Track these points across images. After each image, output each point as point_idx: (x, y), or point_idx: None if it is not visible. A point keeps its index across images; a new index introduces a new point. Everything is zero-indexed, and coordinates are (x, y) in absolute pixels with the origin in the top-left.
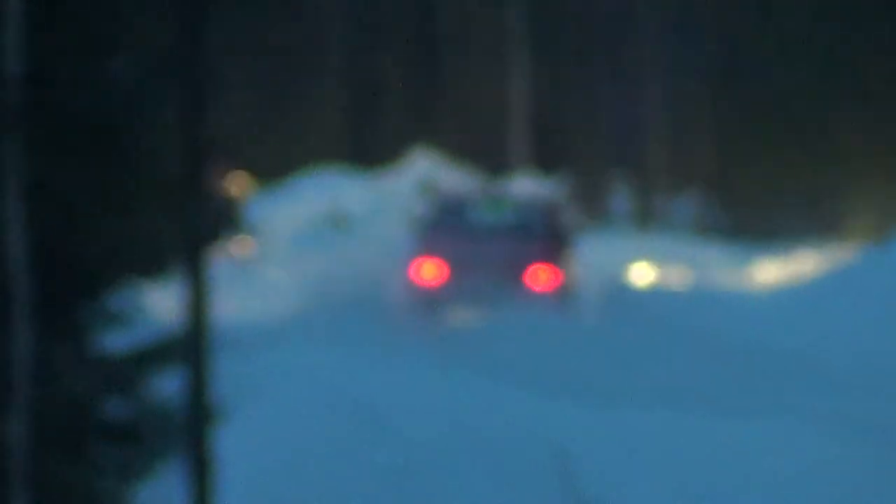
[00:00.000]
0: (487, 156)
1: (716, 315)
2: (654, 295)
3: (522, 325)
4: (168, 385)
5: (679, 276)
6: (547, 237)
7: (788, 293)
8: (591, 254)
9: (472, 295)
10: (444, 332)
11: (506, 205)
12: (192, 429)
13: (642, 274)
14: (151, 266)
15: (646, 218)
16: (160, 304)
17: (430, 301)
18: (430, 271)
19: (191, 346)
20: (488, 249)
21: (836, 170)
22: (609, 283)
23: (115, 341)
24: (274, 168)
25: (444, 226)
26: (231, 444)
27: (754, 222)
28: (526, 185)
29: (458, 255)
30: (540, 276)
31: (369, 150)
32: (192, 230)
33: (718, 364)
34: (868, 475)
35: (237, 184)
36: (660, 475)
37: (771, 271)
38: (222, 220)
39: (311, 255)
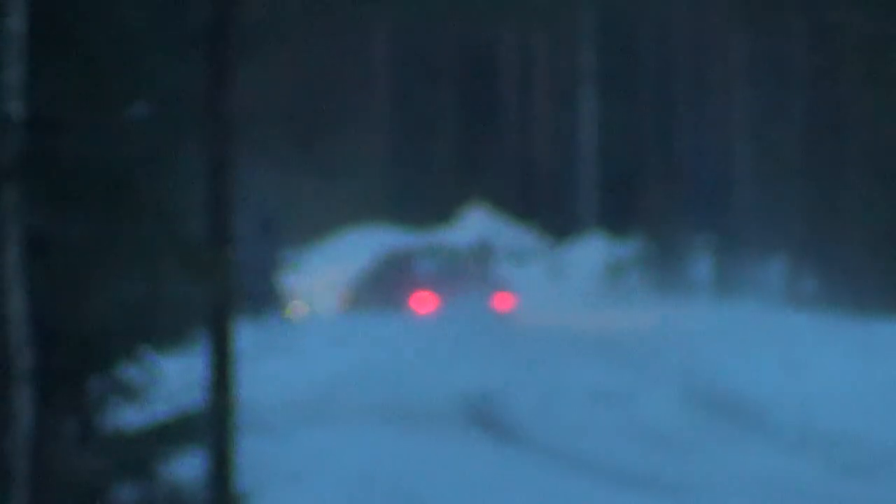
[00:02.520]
0: (550, 213)
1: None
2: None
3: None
4: (188, 468)
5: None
6: (493, 275)
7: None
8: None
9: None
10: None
11: (446, 254)
12: None
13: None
14: (170, 334)
15: (728, 285)
16: (180, 377)
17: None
18: (425, 301)
19: (214, 424)
20: (460, 284)
21: None
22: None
23: (129, 418)
24: (313, 225)
25: (418, 270)
26: None
27: (851, 292)
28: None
29: (441, 289)
30: (502, 300)
31: (417, 205)
32: (216, 295)
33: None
34: None
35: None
36: None
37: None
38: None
39: (353, 318)
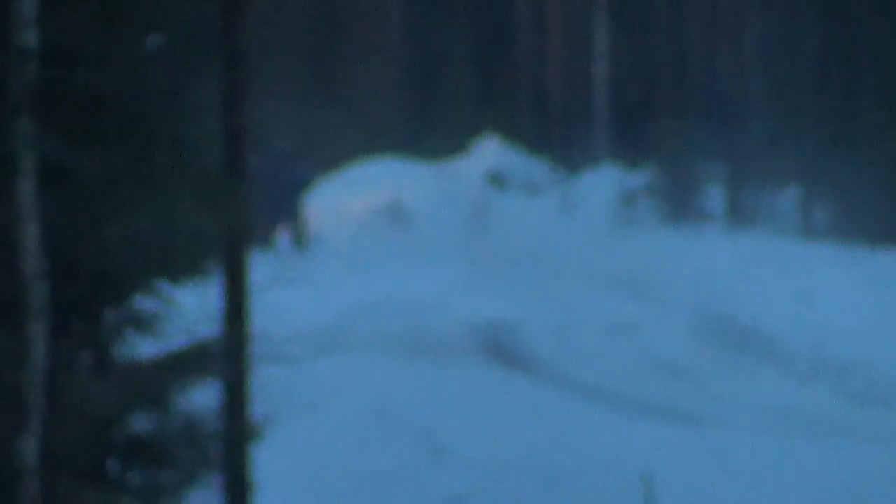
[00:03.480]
0: (564, 145)
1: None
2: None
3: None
4: (202, 398)
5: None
6: None
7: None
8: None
9: None
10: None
11: None
12: (229, 447)
13: None
14: (185, 266)
15: (741, 216)
16: (195, 308)
17: None
18: None
19: (228, 355)
20: None
21: None
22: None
23: (144, 349)
24: (328, 156)
25: None
26: (271, 465)
27: (864, 222)
28: None
29: None
30: None
31: (430, 137)
32: (231, 226)
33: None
34: None
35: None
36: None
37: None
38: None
39: (366, 250)
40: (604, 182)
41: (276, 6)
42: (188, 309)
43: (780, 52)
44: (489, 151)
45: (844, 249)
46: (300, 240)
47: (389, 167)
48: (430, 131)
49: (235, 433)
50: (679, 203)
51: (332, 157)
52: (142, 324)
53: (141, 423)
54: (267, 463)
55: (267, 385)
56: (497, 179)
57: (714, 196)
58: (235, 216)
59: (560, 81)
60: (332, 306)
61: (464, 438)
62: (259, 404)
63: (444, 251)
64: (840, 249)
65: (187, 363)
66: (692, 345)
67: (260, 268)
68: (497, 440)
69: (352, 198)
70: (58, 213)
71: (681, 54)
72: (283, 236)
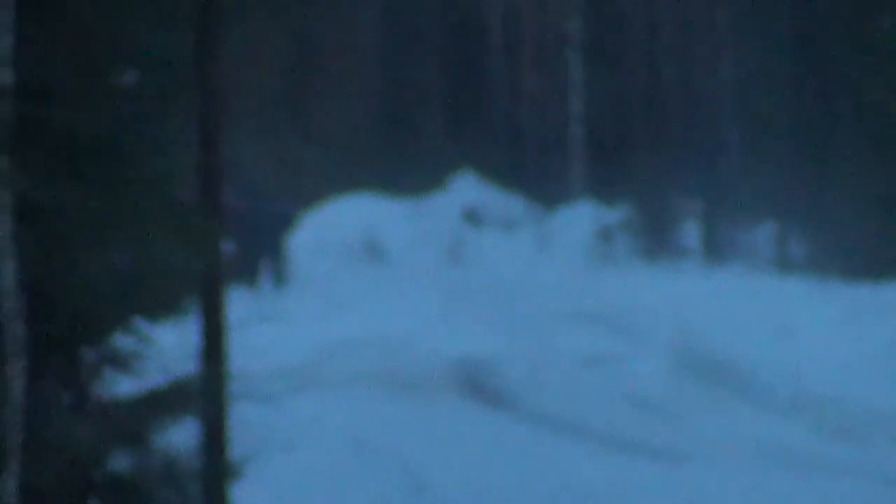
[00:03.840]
0: (539, 181)
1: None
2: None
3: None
4: (181, 436)
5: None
6: None
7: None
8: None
9: None
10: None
11: None
12: (208, 486)
13: None
14: (162, 303)
15: (716, 251)
16: (173, 347)
17: None
18: None
19: (207, 393)
20: None
21: None
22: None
23: (122, 388)
24: (302, 193)
25: None
26: None
27: (840, 257)
28: None
29: None
30: None
31: (406, 173)
32: (207, 263)
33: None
34: None
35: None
36: None
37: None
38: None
39: (344, 287)
40: (580, 218)
41: (250, 43)
42: (166, 347)
43: (756, 88)
44: (465, 188)
45: (820, 284)
46: (281, 277)
47: (365, 204)
48: (405, 167)
49: (214, 472)
50: (655, 239)
51: (309, 193)
52: (120, 362)
53: (120, 461)
54: (246, 501)
55: (246, 423)
56: (473, 216)
57: (690, 232)
58: (211, 251)
59: (535, 117)
60: (310, 343)
61: (443, 474)
62: (238, 443)
63: (420, 287)
64: (816, 284)
65: (166, 402)
66: (669, 380)
67: (238, 305)
68: (476, 476)
69: (329, 235)
70: (34, 249)
71: (656, 90)
72: (264, 273)
